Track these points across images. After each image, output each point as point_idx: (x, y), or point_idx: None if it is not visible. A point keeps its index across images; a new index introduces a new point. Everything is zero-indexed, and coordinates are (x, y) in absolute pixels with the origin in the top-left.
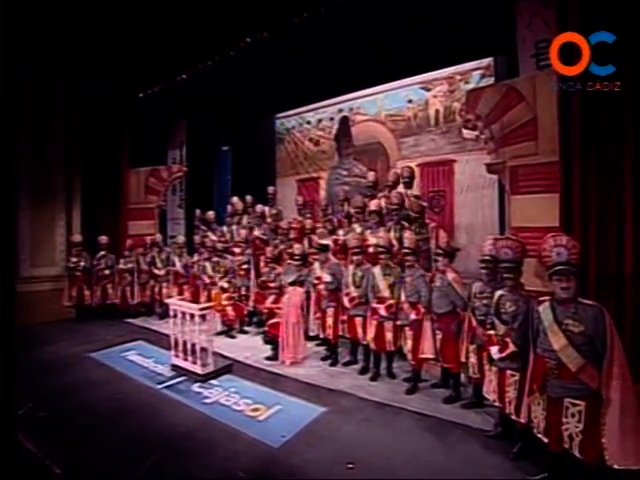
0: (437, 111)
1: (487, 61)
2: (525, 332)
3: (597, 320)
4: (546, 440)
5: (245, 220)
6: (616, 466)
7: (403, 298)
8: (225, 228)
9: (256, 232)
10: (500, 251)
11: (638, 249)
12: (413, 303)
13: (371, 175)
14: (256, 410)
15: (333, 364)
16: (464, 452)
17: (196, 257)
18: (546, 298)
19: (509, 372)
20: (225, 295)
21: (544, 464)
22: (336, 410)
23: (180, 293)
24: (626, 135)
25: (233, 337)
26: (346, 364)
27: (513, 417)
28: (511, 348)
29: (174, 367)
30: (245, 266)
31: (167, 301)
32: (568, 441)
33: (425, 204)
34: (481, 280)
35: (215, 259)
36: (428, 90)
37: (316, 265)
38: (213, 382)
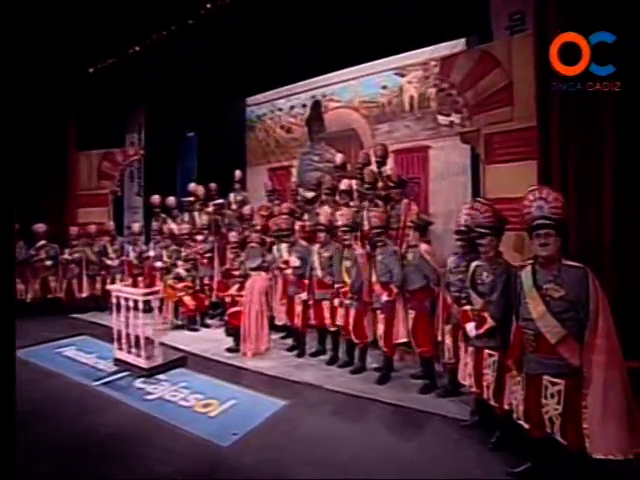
0: (412, 97)
1: (461, 45)
2: (505, 304)
3: (580, 283)
4: (527, 426)
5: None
6: (598, 455)
7: (374, 279)
8: (186, 215)
9: (219, 217)
10: (473, 217)
11: (618, 217)
12: (385, 283)
13: (339, 157)
14: (207, 406)
15: (300, 355)
16: (439, 444)
17: (152, 245)
18: (529, 262)
19: (487, 351)
20: (181, 284)
21: (526, 453)
22: (299, 403)
23: (134, 285)
24: (607, 100)
25: (195, 330)
26: (314, 354)
27: (492, 403)
28: (489, 323)
29: (117, 361)
30: (208, 254)
31: (108, 287)
32: (549, 425)
33: (405, 178)
34: (456, 254)
35: (173, 247)
36: (402, 76)
37: (283, 248)
38: (161, 377)
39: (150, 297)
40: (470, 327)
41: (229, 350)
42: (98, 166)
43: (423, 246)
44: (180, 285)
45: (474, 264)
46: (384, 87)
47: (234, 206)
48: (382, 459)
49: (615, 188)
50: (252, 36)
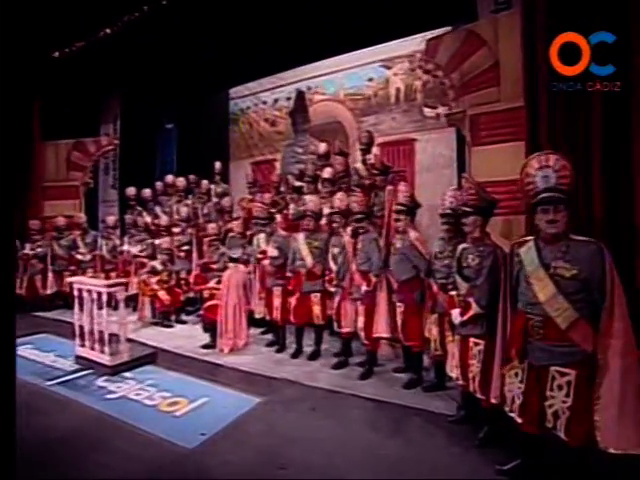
0: (398, 89)
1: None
2: (491, 289)
3: (594, 260)
4: (520, 420)
5: (191, 200)
6: (612, 450)
7: (354, 268)
8: (159, 208)
9: (198, 209)
10: (458, 198)
11: (607, 197)
12: (364, 272)
13: (322, 146)
14: (174, 404)
15: (280, 350)
16: (423, 442)
17: (126, 239)
18: (528, 238)
19: (472, 340)
20: (156, 278)
21: (516, 449)
22: (275, 401)
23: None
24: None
25: (169, 326)
26: (294, 356)
27: (478, 395)
28: (474, 309)
29: (79, 359)
30: (185, 247)
31: (69, 280)
32: (552, 420)
33: (389, 165)
34: (442, 239)
35: (149, 241)
36: (389, 68)
37: (261, 237)
38: (127, 375)
39: (115, 289)
40: (455, 314)
41: (205, 347)
42: (67, 156)
43: (413, 233)
44: (154, 279)
45: (460, 247)
46: (370, 79)
47: (214, 199)
48: (362, 458)
49: (605, 167)
50: (234, 22)
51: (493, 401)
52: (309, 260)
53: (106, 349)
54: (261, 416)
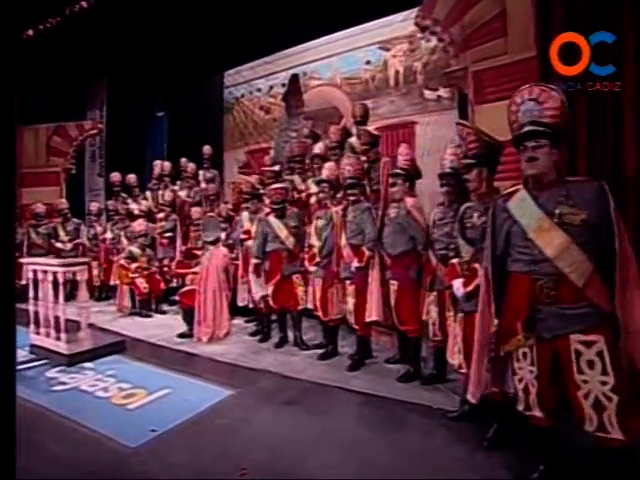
0: (397, 72)
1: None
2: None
3: (600, 201)
4: (540, 414)
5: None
6: None
7: (343, 241)
8: (148, 193)
9: (184, 194)
10: (459, 155)
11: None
12: (355, 246)
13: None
14: (130, 397)
15: (264, 340)
16: (420, 441)
17: (109, 226)
18: (515, 188)
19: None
20: (135, 265)
21: (534, 451)
22: (249, 393)
23: (88, 272)
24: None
25: (147, 316)
26: (278, 345)
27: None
28: (480, 277)
29: (34, 348)
30: (168, 234)
31: (21, 261)
32: (594, 417)
33: (378, 134)
34: (441, 204)
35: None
36: (387, 50)
37: (244, 216)
38: (87, 365)
39: (73, 269)
40: (458, 284)
41: (181, 336)
42: (47, 141)
43: (409, 200)
44: (133, 266)
45: (463, 207)
46: (368, 62)
47: (203, 184)
48: (342, 461)
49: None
50: (224, 2)
51: (510, 392)
52: (291, 241)
53: (62, 336)
54: (228, 410)
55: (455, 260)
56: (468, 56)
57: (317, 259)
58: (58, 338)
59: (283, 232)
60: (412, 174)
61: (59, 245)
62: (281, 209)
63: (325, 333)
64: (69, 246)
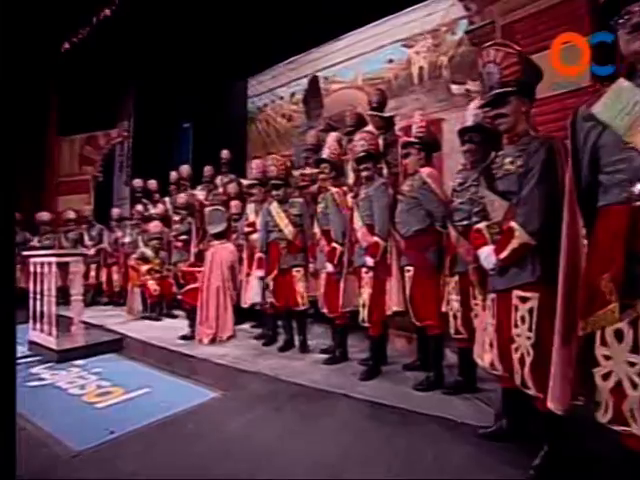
0: (421, 68)
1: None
2: (548, 202)
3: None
4: (605, 419)
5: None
6: None
7: (358, 223)
8: (167, 198)
9: (200, 195)
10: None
11: None
12: (370, 226)
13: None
14: (104, 395)
15: (269, 343)
16: (441, 465)
17: (128, 231)
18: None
19: (517, 294)
20: (147, 266)
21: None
22: (236, 396)
23: (109, 277)
24: None
25: (157, 320)
26: (282, 349)
27: (530, 392)
28: (518, 238)
29: (31, 345)
30: (183, 237)
31: (25, 253)
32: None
33: (392, 115)
34: (462, 169)
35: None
36: (410, 47)
37: (249, 208)
38: (76, 362)
39: (66, 259)
40: (486, 253)
41: (183, 337)
42: (80, 151)
43: (425, 169)
44: (144, 267)
45: (492, 155)
46: (390, 61)
47: (220, 189)
48: None
49: None
50: (245, 6)
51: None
52: (290, 230)
53: (53, 331)
54: (205, 414)
55: (482, 225)
56: (494, 10)
57: (336, 259)
58: (50, 333)
59: (283, 220)
60: (428, 143)
61: (83, 250)
62: (282, 192)
63: (333, 335)
64: (92, 251)
